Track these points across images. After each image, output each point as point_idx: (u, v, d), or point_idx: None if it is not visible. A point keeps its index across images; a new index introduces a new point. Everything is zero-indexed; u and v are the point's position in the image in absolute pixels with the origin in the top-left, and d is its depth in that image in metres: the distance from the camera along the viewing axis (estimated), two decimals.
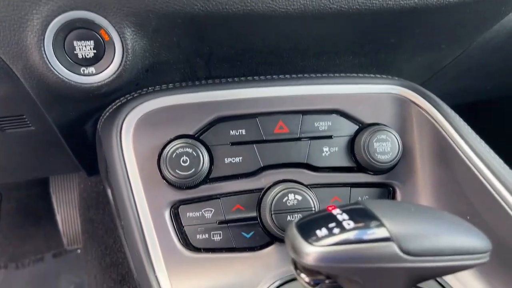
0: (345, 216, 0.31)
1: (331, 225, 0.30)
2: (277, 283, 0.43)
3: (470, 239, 0.31)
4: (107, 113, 0.48)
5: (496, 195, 0.43)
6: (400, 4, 0.41)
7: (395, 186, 0.48)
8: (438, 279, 0.42)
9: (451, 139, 0.47)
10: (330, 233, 0.30)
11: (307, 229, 0.31)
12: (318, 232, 0.30)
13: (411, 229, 0.30)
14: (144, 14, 0.40)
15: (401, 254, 0.29)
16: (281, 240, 0.45)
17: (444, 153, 0.47)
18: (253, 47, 0.47)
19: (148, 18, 0.40)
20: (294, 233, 0.31)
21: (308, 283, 0.30)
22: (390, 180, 0.48)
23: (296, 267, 0.31)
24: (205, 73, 0.50)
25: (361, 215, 0.31)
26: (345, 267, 0.29)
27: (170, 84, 0.49)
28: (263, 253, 0.46)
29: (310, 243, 0.30)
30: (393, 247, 0.29)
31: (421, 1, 0.42)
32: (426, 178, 0.48)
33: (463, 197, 0.45)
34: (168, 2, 0.39)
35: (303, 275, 0.31)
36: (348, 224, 0.30)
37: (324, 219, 0.31)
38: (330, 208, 0.32)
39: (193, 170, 0.44)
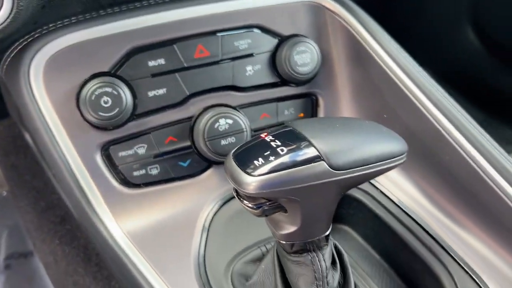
0: (277, 142, 0.32)
1: (266, 153, 0.32)
2: (219, 203, 0.45)
3: (390, 145, 0.34)
4: (9, 58, 0.44)
5: (406, 92, 0.47)
6: None
7: (317, 94, 0.51)
8: None
9: (365, 43, 0.49)
10: (266, 161, 0.31)
11: (244, 159, 0.32)
12: (255, 162, 0.32)
13: (338, 145, 0.32)
14: None
15: (331, 170, 0.31)
16: (217, 163, 0.47)
17: (359, 56, 0.50)
18: None
19: None
20: (232, 165, 0.32)
21: (252, 208, 0.33)
22: (312, 89, 0.51)
23: (238, 195, 0.33)
24: (108, 0, 0.46)
25: (291, 138, 0.33)
26: (283, 190, 0.31)
27: (73, 18, 0.44)
28: (202, 178, 0.47)
29: (249, 173, 0.31)
30: (324, 165, 0.31)
31: None
32: (345, 83, 0.51)
33: (380, 96, 0.48)
34: None
35: (246, 202, 0.33)
36: (282, 150, 0.32)
37: (259, 147, 0.33)
38: (262, 136, 0.34)
39: (117, 109, 0.43)
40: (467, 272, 0.41)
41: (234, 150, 0.34)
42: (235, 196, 0.34)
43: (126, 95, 0.43)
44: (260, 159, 0.32)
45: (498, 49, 1.40)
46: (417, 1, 1.45)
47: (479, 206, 0.42)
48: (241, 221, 0.46)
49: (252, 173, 0.31)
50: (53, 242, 0.70)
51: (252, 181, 0.31)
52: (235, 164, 0.32)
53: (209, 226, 0.44)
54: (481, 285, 0.40)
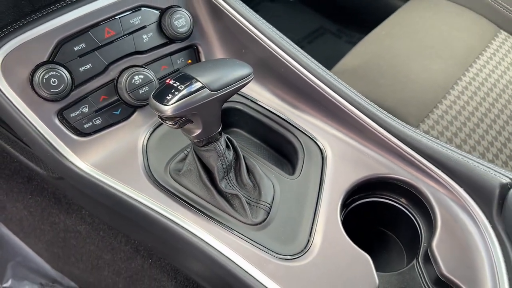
0: (177, 83, 0.55)
1: (172, 90, 0.54)
2: (150, 131, 0.67)
3: (243, 71, 0.58)
4: None
5: (250, 33, 0.69)
6: None
7: (197, 45, 0.72)
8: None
9: (217, 2, 0.71)
10: (173, 95, 0.53)
11: (160, 97, 0.54)
12: (167, 97, 0.54)
13: (212, 78, 0.55)
14: None
15: (212, 92, 0.54)
16: (140, 107, 0.68)
17: (217, 14, 0.71)
18: None
19: None
20: (154, 102, 0.54)
21: (172, 125, 0.55)
22: (192, 42, 0.72)
23: (161, 119, 0.56)
24: (31, 8, 0.62)
25: (186, 79, 0.55)
26: (187, 109, 0.54)
27: (9, 27, 0.61)
28: (132, 118, 0.68)
29: (165, 104, 0.53)
30: (207, 91, 0.54)
31: None
32: (213, 34, 0.72)
33: (237, 40, 0.72)
34: None
35: (168, 122, 0.55)
36: (181, 87, 0.54)
37: (167, 88, 0.55)
38: (167, 81, 0.56)
39: (62, 85, 0.61)
40: (306, 135, 0.69)
41: (152, 93, 0.55)
42: (160, 120, 0.56)
43: (65, 74, 0.62)
44: (169, 95, 0.54)
45: None
46: None
47: (306, 95, 0.69)
48: (167, 138, 0.68)
49: (167, 104, 0.53)
50: (25, 198, 0.86)
51: (168, 109, 0.53)
52: (155, 101, 0.54)
53: (147, 146, 0.66)
54: (315, 141, 0.68)
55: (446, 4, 1.15)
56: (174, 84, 0.54)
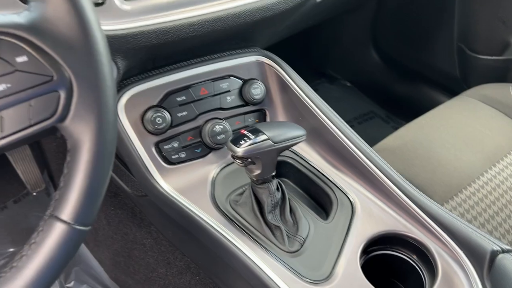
0: (249, 133, 0.74)
1: (245, 138, 0.73)
2: (220, 167, 0.87)
3: (299, 132, 0.77)
4: None
5: (309, 106, 0.89)
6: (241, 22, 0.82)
7: (265, 109, 0.93)
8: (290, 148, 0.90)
9: (286, 80, 0.92)
10: (245, 141, 0.73)
11: (235, 141, 0.73)
12: (240, 142, 0.73)
13: (275, 133, 0.74)
14: (128, 50, 0.74)
15: (273, 143, 0.73)
16: (216, 149, 0.88)
17: (284, 88, 0.93)
18: (178, 51, 0.84)
19: (130, 50, 0.75)
20: (230, 144, 0.73)
21: (240, 163, 0.74)
22: (262, 107, 0.93)
23: (233, 157, 0.75)
24: (152, 67, 0.86)
25: (256, 131, 0.74)
26: (253, 153, 0.73)
27: (134, 77, 0.84)
28: (208, 157, 0.88)
29: (238, 147, 0.73)
30: (270, 142, 0.73)
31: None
32: (279, 103, 0.93)
33: (297, 109, 0.92)
34: (140, 42, 0.74)
35: (238, 161, 0.74)
36: (251, 137, 0.73)
37: (241, 136, 0.74)
38: (242, 131, 0.75)
39: (164, 124, 0.83)
40: (341, 190, 0.85)
41: (230, 138, 0.74)
42: (232, 158, 0.75)
43: (167, 116, 0.83)
44: (242, 141, 0.73)
45: (393, 64, 1.89)
46: (334, 32, 1.91)
47: (346, 160, 0.87)
48: (231, 176, 0.87)
49: (239, 147, 0.72)
50: (108, 210, 1.06)
51: (240, 150, 0.72)
52: (231, 144, 0.73)
53: (215, 179, 0.85)
54: (348, 196, 0.84)
55: (483, 107, 1.31)
56: (247, 134, 0.74)
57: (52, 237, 0.45)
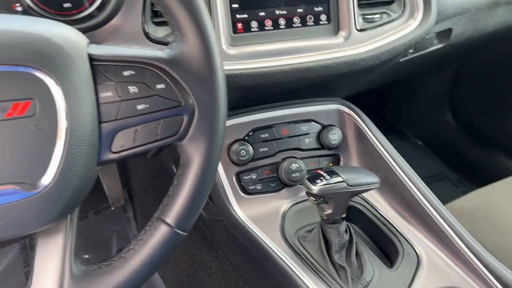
0: (325, 174, 0.80)
1: (321, 178, 0.79)
2: (292, 203, 0.92)
3: (373, 179, 0.81)
4: None
5: (383, 157, 0.94)
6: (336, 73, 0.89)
7: (340, 155, 0.99)
8: (360, 195, 0.94)
9: (364, 130, 0.97)
10: (321, 181, 0.78)
11: (312, 179, 0.79)
12: (316, 181, 0.78)
13: (351, 177, 0.79)
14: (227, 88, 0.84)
15: (347, 186, 0.78)
16: (290, 186, 0.94)
17: (361, 137, 0.98)
18: (268, 93, 0.93)
19: (229, 89, 0.84)
20: (306, 182, 0.79)
21: (315, 200, 0.79)
22: (337, 152, 0.98)
23: (308, 194, 0.80)
24: (243, 105, 0.96)
25: (332, 173, 0.80)
26: (327, 193, 0.78)
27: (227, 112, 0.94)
28: (281, 192, 0.94)
29: (314, 185, 0.78)
30: (345, 185, 0.78)
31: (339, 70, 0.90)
32: (354, 150, 0.98)
33: (371, 158, 0.96)
34: (238, 82, 0.84)
35: (312, 198, 0.79)
36: (328, 177, 0.79)
37: (318, 175, 0.80)
38: (319, 171, 0.81)
39: (247, 157, 0.91)
40: (408, 242, 0.87)
41: (307, 177, 0.80)
42: (307, 195, 0.81)
43: (250, 149, 0.91)
44: (319, 180, 0.78)
45: (468, 128, 1.87)
46: (411, 90, 1.95)
47: (416, 213, 0.89)
48: (300, 214, 0.92)
49: (315, 185, 0.78)
50: None
51: (315, 188, 0.77)
52: (308, 182, 0.79)
53: (286, 214, 0.91)
54: (415, 249, 0.86)
55: None
56: (323, 174, 0.79)
57: (156, 236, 0.53)
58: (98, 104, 0.48)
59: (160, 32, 0.78)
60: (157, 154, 1.16)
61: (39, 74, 0.43)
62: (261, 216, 0.90)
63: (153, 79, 0.50)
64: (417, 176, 0.90)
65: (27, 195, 0.44)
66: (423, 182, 0.89)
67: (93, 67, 0.47)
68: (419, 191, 0.87)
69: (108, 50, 0.49)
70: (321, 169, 0.81)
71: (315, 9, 0.89)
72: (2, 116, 0.42)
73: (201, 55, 0.51)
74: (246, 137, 0.92)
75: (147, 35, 0.76)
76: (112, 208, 1.59)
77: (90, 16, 0.73)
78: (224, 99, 0.53)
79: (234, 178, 0.91)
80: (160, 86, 0.50)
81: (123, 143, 0.50)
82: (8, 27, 0.43)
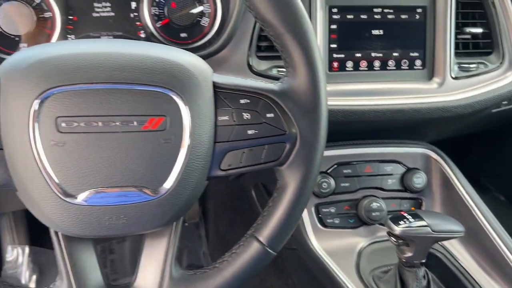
0: (409, 216, 0.80)
1: (404, 219, 0.79)
2: (368, 242, 0.93)
3: (457, 227, 0.80)
4: None
5: (470, 207, 0.92)
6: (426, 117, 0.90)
7: (422, 199, 0.98)
8: (441, 242, 0.92)
9: (450, 177, 0.96)
10: (404, 222, 0.78)
11: (395, 220, 0.79)
12: (399, 222, 0.78)
13: (435, 222, 0.78)
14: None
15: (431, 231, 0.77)
16: (368, 224, 0.94)
17: (447, 184, 0.96)
18: (356, 130, 0.95)
19: None
20: (389, 222, 0.79)
21: (395, 241, 0.79)
22: (420, 196, 0.98)
23: (389, 234, 0.80)
24: (329, 139, 0.98)
25: (416, 216, 0.79)
26: (409, 235, 0.77)
27: None
28: (359, 229, 0.95)
29: (397, 226, 0.78)
30: (428, 229, 0.77)
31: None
32: (438, 196, 0.97)
33: (455, 207, 0.94)
34: (329, 118, 0.87)
35: (393, 238, 0.79)
36: (411, 219, 0.79)
37: (401, 217, 0.80)
38: (402, 212, 0.81)
39: (328, 189, 0.93)
40: None
41: (390, 217, 0.81)
42: (388, 235, 0.81)
43: (332, 183, 0.94)
44: (401, 221, 0.79)
45: None
46: (498, 142, 1.86)
47: (501, 268, 0.85)
48: (375, 254, 0.92)
49: (398, 226, 0.78)
50: None
51: (398, 229, 0.77)
52: (391, 222, 0.80)
53: (362, 251, 0.91)
54: None
55: None
56: (407, 216, 0.79)
57: (248, 252, 0.57)
58: (216, 126, 0.53)
59: (262, 66, 0.84)
60: (240, 177, 1.22)
61: (172, 95, 0.50)
62: (336, 251, 0.91)
63: (264, 108, 0.55)
64: (503, 230, 0.87)
65: (148, 198, 0.50)
66: (509, 236, 0.86)
67: (215, 93, 0.53)
68: (504, 245, 0.84)
69: (229, 79, 0.55)
70: (404, 211, 0.81)
71: (411, 54, 0.91)
72: (139, 128, 0.49)
73: (309, 90, 0.55)
74: (329, 170, 0.95)
75: (250, 67, 0.82)
76: (186, 224, 1.66)
77: (203, 47, 0.81)
78: (324, 132, 0.57)
79: (313, 209, 0.94)
80: (269, 115, 0.55)
81: (231, 162, 0.55)
82: (149, 53, 0.51)
